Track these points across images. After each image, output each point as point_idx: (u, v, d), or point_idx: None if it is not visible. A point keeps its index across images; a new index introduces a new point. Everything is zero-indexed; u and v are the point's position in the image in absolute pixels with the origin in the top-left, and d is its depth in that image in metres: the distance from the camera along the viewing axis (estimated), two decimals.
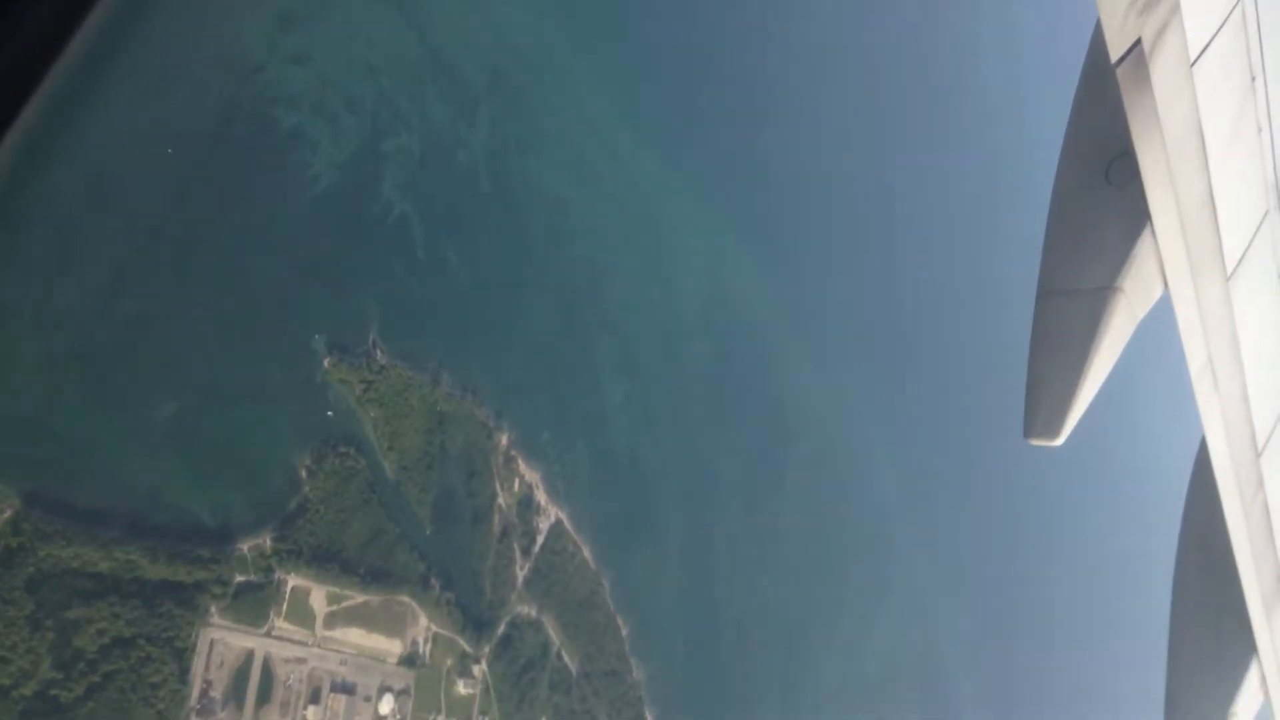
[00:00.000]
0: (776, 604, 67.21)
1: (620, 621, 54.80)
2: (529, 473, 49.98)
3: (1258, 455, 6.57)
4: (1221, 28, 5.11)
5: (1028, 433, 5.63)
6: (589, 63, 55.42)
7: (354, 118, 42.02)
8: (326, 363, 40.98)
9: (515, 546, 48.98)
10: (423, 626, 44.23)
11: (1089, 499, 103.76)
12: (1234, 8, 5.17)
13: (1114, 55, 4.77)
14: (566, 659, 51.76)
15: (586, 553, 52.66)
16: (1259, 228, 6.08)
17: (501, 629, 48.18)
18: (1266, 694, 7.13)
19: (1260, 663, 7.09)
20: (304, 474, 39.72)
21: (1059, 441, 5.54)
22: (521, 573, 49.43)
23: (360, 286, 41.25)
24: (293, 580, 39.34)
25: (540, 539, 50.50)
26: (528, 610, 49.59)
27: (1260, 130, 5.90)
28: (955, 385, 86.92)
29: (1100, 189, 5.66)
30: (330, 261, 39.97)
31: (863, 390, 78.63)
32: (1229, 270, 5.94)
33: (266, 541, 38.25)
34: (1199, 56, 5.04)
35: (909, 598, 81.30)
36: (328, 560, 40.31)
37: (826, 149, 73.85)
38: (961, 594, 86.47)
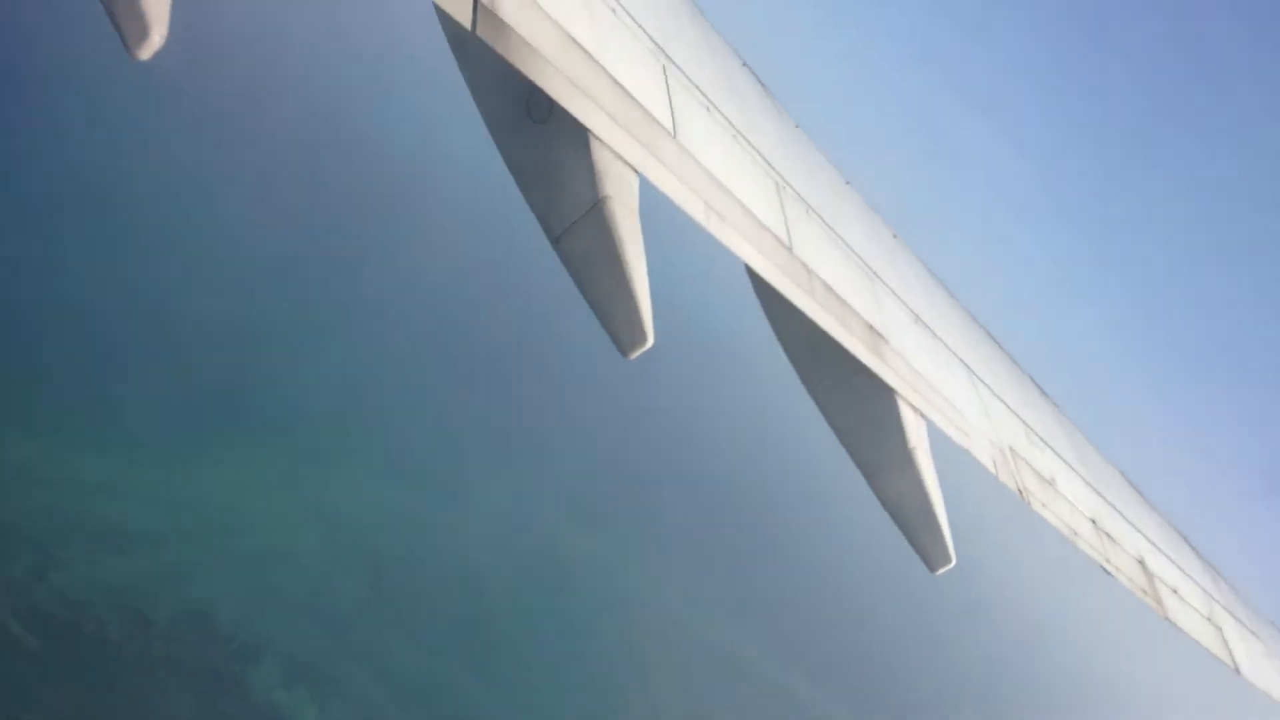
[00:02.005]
0: None
1: None
2: None
3: (790, 249, 7.35)
4: None
5: (624, 351, 5.85)
6: None
7: None
8: None
9: None
10: None
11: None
12: None
13: (466, 24, 5.03)
14: None
15: None
16: (666, 83, 6.74)
17: None
18: (918, 412, 8.10)
19: (900, 394, 8.02)
20: None
21: (650, 342, 5.81)
22: None
23: None
24: None
25: None
26: None
27: (614, 11, 6.55)
28: None
29: (533, 130, 6.03)
30: None
31: None
32: (672, 130, 6.53)
33: None
34: None
35: None
36: None
37: None
38: None
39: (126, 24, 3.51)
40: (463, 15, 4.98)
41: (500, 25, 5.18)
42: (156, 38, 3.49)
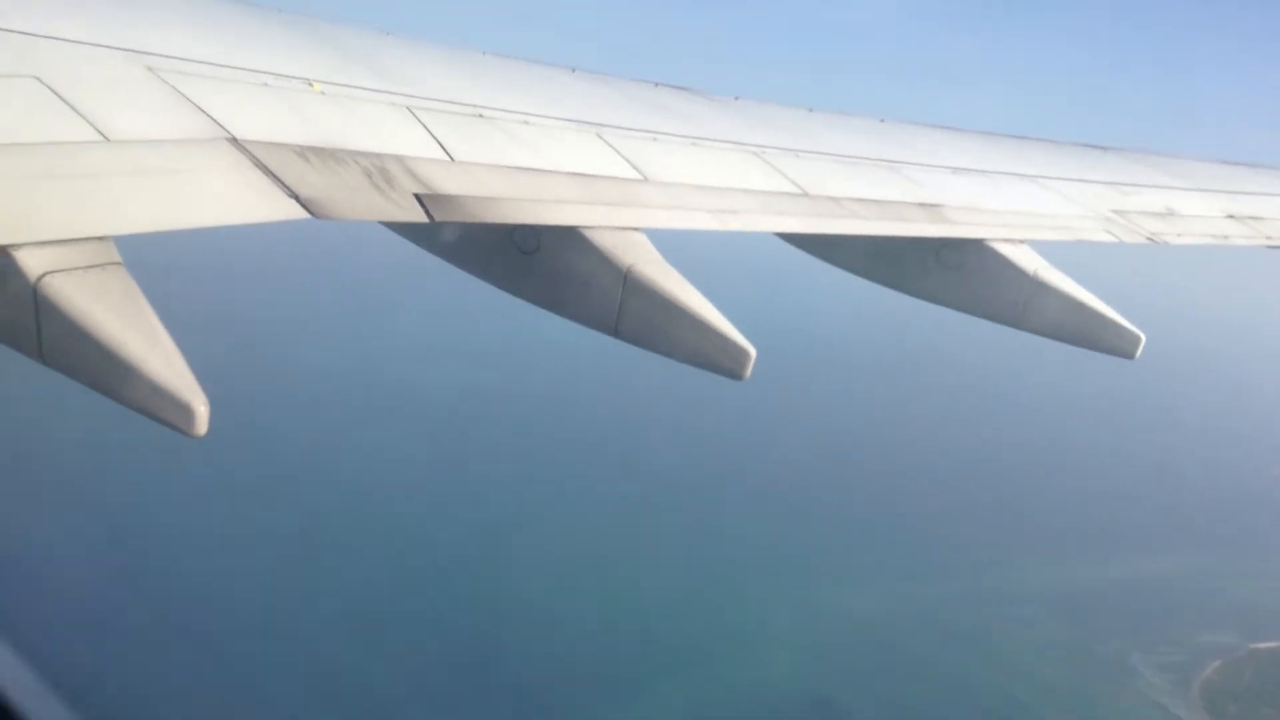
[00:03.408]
0: None
1: None
2: None
3: (806, 194, 7.32)
4: None
5: (737, 375, 5.87)
6: None
7: None
8: None
9: None
10: None
11: None
12: None
13: (423, 219, 5.17)
14: None
15: None
16: (608, 144, 6.83)
17: None
18: (1014, 242, 7.92)
19: (988, 240, 7.85)
20: None
21: (752, 352, 5.81)
22: None
23: None
24: None
25: None
26: None
27: (526, 123, 6.70)
28: None
29: (532, 260, 6.15)
30: None
31: None
32: (643, 176, 6.60)
33: None
34: None
35: None
36: None
37: None
38: None
39: (169, 415, 3.66)
40: (415, 215, 5.12)
41: (451, 202, 5.31)
42: (201, 408, 3.62)
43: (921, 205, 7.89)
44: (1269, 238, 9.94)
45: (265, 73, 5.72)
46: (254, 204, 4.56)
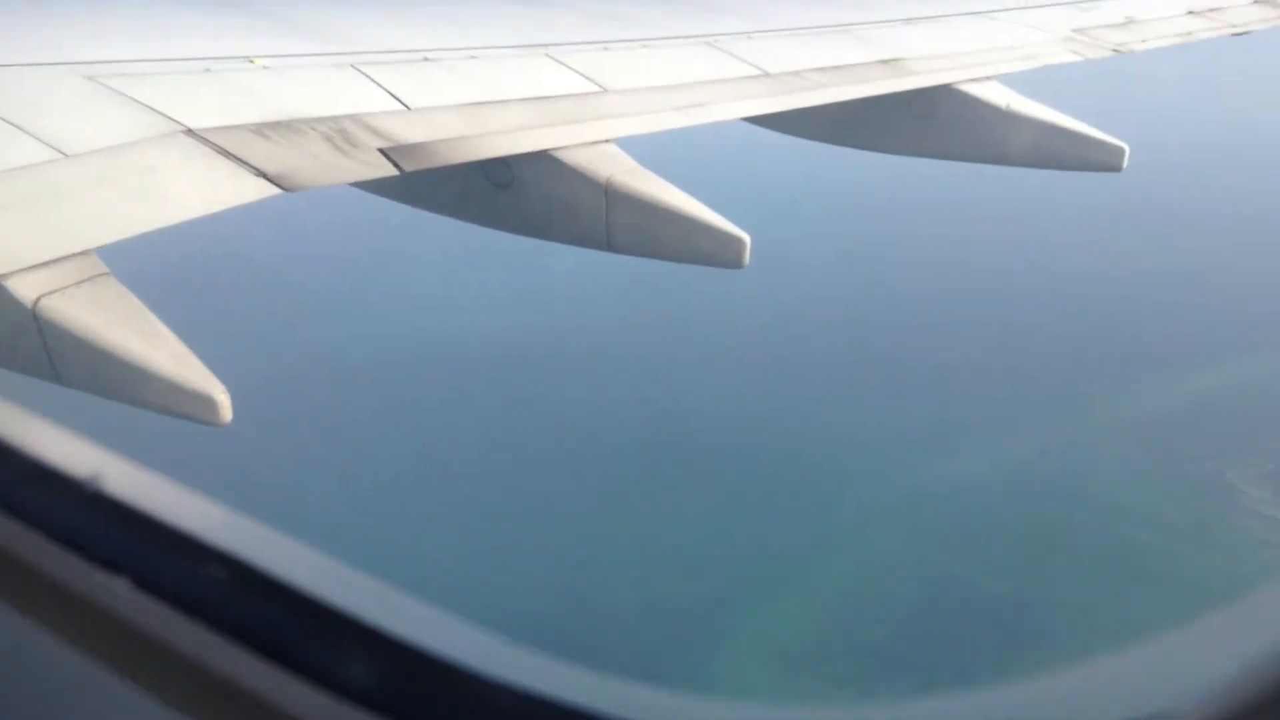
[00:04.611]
0: None
1: None
2: None
3: (768, 74, 7.25)
4: None
5: (735, 264, 5.93)
6: None
7: None
8: None
9: None
10: None
11: None
12: None
13: (393, 172, 5.15)
14: None
15: None
16: (561, 63, 6.75)
17: None
18: (981, 80, 7.86)
19: (954, 84, 7.79)
20: None
21: (747, 239, 5.83)
22: None
23: None
24: None
25: None
26: None
27: (473, 57, 6.61)
28: None
29: (509, 193, 6.14)
30: None
31: None
32: (601, 87, 6.54)
33: None
34: None
35: None
36: None
37: None
38: None
39: (191, 409, 3.71)
40: (384, 170, 5.11)
41: (417, 150, 5.28)
42: (220, 396, 3.68)
43: (883, 62, 7.80)
44: (1233, 25, 9.84)
45: (204, 59, 5.65)
46: (224, 190, 4.55)
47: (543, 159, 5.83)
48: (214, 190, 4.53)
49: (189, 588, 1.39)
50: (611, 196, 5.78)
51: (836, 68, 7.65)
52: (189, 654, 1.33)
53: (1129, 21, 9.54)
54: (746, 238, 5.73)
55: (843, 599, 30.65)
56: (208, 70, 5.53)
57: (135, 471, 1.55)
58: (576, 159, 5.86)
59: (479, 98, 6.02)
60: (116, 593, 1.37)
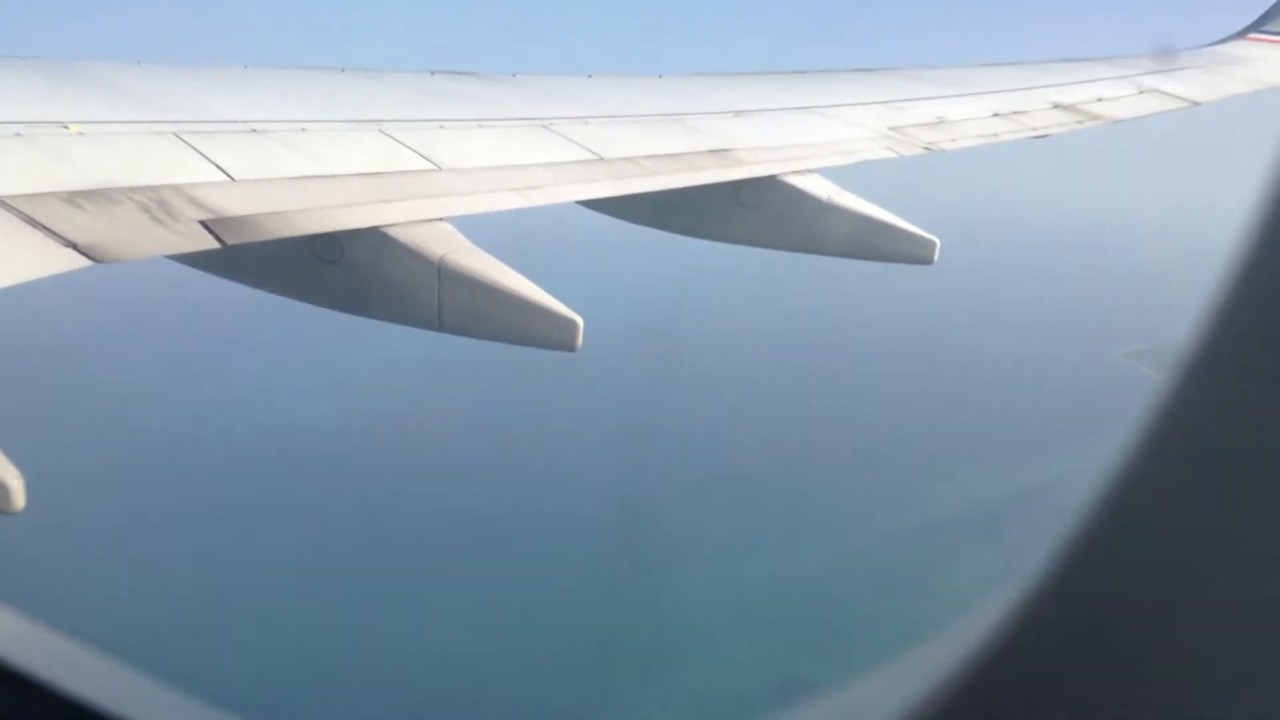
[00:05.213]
0: None
1: None
2: None
3: (602, 158, 7.39)
4: None
5: (568, 346, 5.94)
6: None
7: None
8: None
9: None
10: None
11: None
12: None
13: (215, 245, 4.97)
14: None
15: None
16: (394, 139, 6.70)
17: None
18: (802, 173, 8.21)
19: (779, 176, 8.11)
20: None
21: (579, 320, 5.86)
22: None
23: None
24: None
25: None
26: None
27: (303, 130, 6.49)
28: None
29: (336, 268, 6.01)
30: None
31: None
32: (436, 165, 6.53)
33: None
34: None
35: None
36: None
37: None
38: None
39: None
40: (205, 243, 4.93)
41: (240, 223, 5.12)
42: (14, 482, 3.44)
43: (712, 152, 8.08)
44: (1033, 129, 10.65)
45: (16, 123, 5.36)
46: (29, 260, 4.30)
47: (374, 235, 5.75)
48: (19, 261, 4.27)
49: None
50: (444, 275, 5.73)
51: (669, 155, 7.87)
52: None
53: (940, 121, 10.20)
54: (579, 320, 5.77)
55: (689, 701, 30.42)
56: (18, 134, 5.24)
57: None
58: (409, 236, 5.80)
59: (308, 171, 5.91)
60: None
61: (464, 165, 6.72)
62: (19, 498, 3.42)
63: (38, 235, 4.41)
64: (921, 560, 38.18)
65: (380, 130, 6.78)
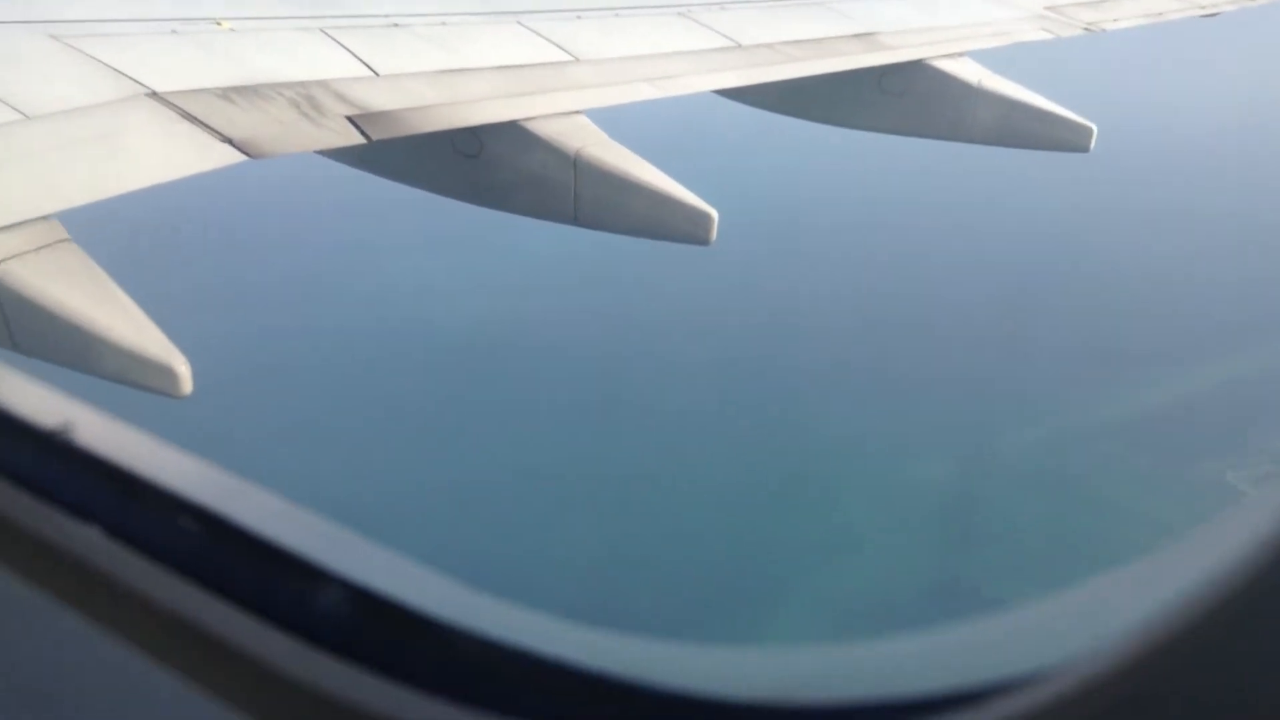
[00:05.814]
0: None
1: None
2: None
3: (740, 45, 7.22)
4: None
5: (702, 240, 5.92)
6: None
7: None
8: None
9: None
10: None
11: None
12: None
13: (360, 140, 5.09)
14: None
15: None
16: (530, 30, 6.68)
17: None
18: (952, 56, 7.85)
19: (926, 60, 7.80)
20: None
21: (714, 213, 5.82)
22: None
23: None
24: None
25: None
26: None
27: (443, 22, 6.53)
28: None
29: (477, 163, 6.08)
30: None
31: None
32: (574, 56, 6.48)
33: None
34: None
35: None
36: None
37: None
38: None
39: (150, 380, 3.68)
40: (351, 138, 5.05)
41: (385, 118, 5.22)
42: (181, 367, 3.65)
43: (856, 36, 7.79)
44: (1202, 6, 9.90)
45: (170, 19, 5.55)
46: (188, 155, 4.49)
47: (512, 129, 5.78)
48: (179, 156, 4.46)
49: (160, 536, 1.41)
50: (580, 169, 5.74)
51: (810, 40, 7.63)
52: (161, 601, 1.35)
53: (1100, 0, 9.58)
54: (714, 213, 5.73)
55: (843, 603, 30.41)
56: (174, 32, 5.43)
57: (106, 422, 1.56)
58: (546, 130, 5.82)
59: (448, 65, 5.96)
60: (89, 541, 1.37)
61: (600, 56, 6.66)
62: (186, 382, 3.64)
63: (196, 130, 4.59)
64: (1081, 465, 36.89)
65: (518, 22, 6.76)
